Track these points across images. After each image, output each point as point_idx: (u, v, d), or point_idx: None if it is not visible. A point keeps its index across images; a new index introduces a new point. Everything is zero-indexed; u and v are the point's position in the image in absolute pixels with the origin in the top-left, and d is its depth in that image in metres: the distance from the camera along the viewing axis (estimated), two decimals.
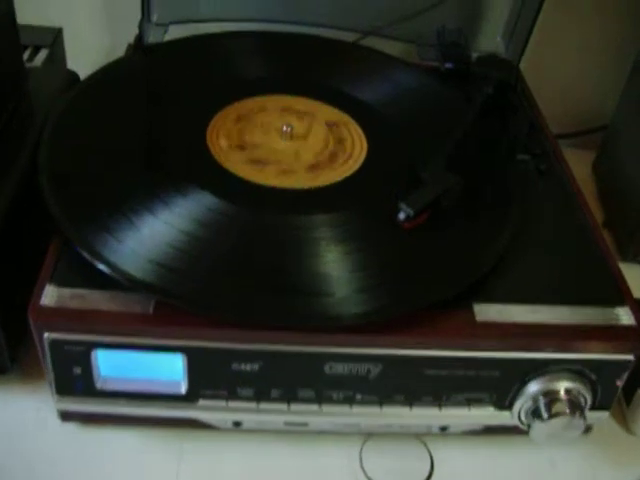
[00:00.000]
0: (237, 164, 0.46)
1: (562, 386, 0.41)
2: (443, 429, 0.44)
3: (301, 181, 0.46)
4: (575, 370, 0.41)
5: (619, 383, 0.42)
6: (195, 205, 0.42)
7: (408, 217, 0.42)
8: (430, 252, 0.43)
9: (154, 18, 0.60)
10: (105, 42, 0.68)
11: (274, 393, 0.41)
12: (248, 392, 0.41)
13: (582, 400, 0.42)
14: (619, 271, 0.44)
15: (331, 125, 0.51)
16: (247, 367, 0.39)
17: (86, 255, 0.39)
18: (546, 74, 0.68)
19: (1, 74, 0.48)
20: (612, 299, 0.42)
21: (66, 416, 0.43)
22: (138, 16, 0.58)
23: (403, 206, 0.42)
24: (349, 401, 0.41)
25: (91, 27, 0.68)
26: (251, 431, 0.44)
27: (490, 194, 0.47)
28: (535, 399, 0.42)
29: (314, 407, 0.41)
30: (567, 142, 0.66)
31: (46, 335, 0.38)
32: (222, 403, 0.41)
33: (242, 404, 0.41)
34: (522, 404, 0.42)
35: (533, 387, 0.41)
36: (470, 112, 0.51)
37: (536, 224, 0.47)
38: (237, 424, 0.43)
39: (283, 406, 0.41)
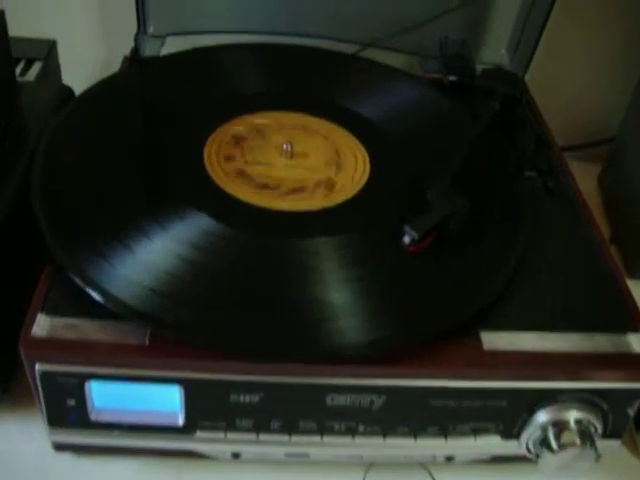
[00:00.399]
0: (235, 185, 0.45)
1: (572, 416, 0.40)
2: (449, 459, 0.43)
3: (301, 202, 0.44)
4: (585, 399, 0.40)
5: (631, 412, 0.41)
6: (191, 228, 0.41)
7: (413, 240, 0.41)
8: (435, 277, 0.41)
9: (150, 30, 0.58)
10: (101, 55, 0.67)
11: (274, 424, 0.39)
12: (247, 423, 0.39)
13: (593, 430, 0.40)
14: (630, 295, 0.43)
15: (332, 143, 0.50)
16: (246, 399, 0.38)
17: (79, 282, 0.38)
18: (551, 85, 0.67)
19: None
20: (623, 325, 0.41)
21: (60, 447, 0.41)
22: (134, 28, 0.56)
23: (408, 229, 0.41)
24: (351, 432, 0.40)
25: (86, 39, 0.66)
26: (251, 461, 0.43)
27: (498, 215, 0.46)
28: (544, 429, 0.40)
29: (315, 438, 0.40)
30: (572, 154, 0.65)
31: (38, 366, 0.37)
32: (220, 435, 0.40)
33: (241, 435, 0.40)
34: (530, 434, 0.41)
35: (542, 417, 0.40)
36: (477, 129, 0.50)
37: (543, 245, 0.45)
38: (236, 455, 0.42)
39: (284, 437, 0.40)
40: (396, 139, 0.51)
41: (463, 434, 0.41)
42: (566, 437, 0.40)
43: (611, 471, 0.46)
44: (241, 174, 0.46)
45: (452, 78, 0.59)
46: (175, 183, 0.44)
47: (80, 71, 0.58)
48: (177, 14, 0.59)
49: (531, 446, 0.41)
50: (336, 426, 0.40)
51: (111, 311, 0.37)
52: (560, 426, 0.40)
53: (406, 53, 0.62)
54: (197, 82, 0.54)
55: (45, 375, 0.37)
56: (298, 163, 0.47)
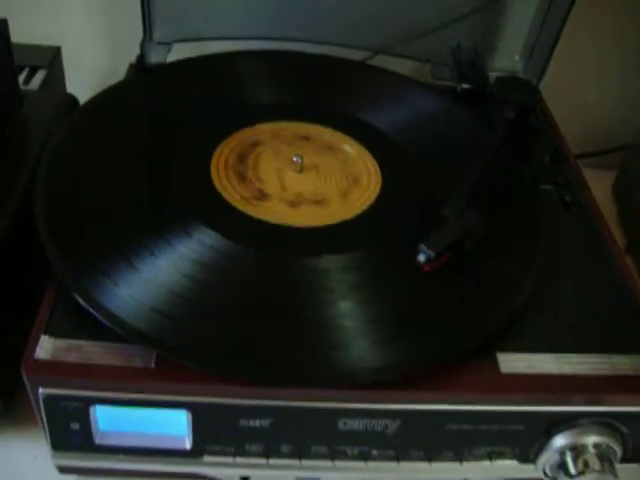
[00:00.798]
0: (242, 199, 0.44)
1: (591, 440, 0.39)
2: None
3: (311, 218, 0.43)
4: (604, 422, 0.38)
5: None
6: (199, 244, 0.40)
7: (428, 259, 0.40)
8: (451, 297, 0.40)
9: (156, 36, 0.57)
10: (106, 62, 0.66)
11: (284, 449, 0.38)
12: (257, 448, 0.38)
13: (612, 453, 0.39)
14: None
15: (343, 154, 0.48)
16: (256, 423, 0.37)
17: (82, 302, 0.37)
18: (564, 92, 0.65)
19: None
20: None
21: (64, 470, 0.40)
22: (140, 34, 0.55)
23: (423, 247, 0.40)
24: (364, 457, 0.39)
25: (91, 46, 0.65)
26: None
27: (514, 232, 0.44)
28: (562, 453, 0.39)
29: (327, 463, 0.39)
30: (585, 162, 0.64)
31: (41, 390, 0.35)
32: (229, 459, 0.39)
33: (251, 460, 0.39)
34: (547, 458, 0.40)
35: (560, 441, 0.39)
36: (493, 141, 0.48)
37: (561, 261, 0.44)
38: (245, 479, 0.41)
39: (294, 462, 0.39)
40: (409, 151, 0.49)
41: (479, 458, 0.40)
42: (584, 461, 0.38)
43: None
44: (249, 187, 0.45)
45: (465, 86, 0.57)
46: (181, 198, 0.43)
47: (84, 79, 0.57)
48: (184, 20, 0.58)
49: (548, 470, 0.40)
50: (349, 451, 0.39)
51: (116, 332, 0.36)
52: (578, 450, 0.39)
53: (417, 60, 0.61)
54: (205, 90, 0.53)
55: (49, 399, 0.36)
56: (307, 176, 0.46)
